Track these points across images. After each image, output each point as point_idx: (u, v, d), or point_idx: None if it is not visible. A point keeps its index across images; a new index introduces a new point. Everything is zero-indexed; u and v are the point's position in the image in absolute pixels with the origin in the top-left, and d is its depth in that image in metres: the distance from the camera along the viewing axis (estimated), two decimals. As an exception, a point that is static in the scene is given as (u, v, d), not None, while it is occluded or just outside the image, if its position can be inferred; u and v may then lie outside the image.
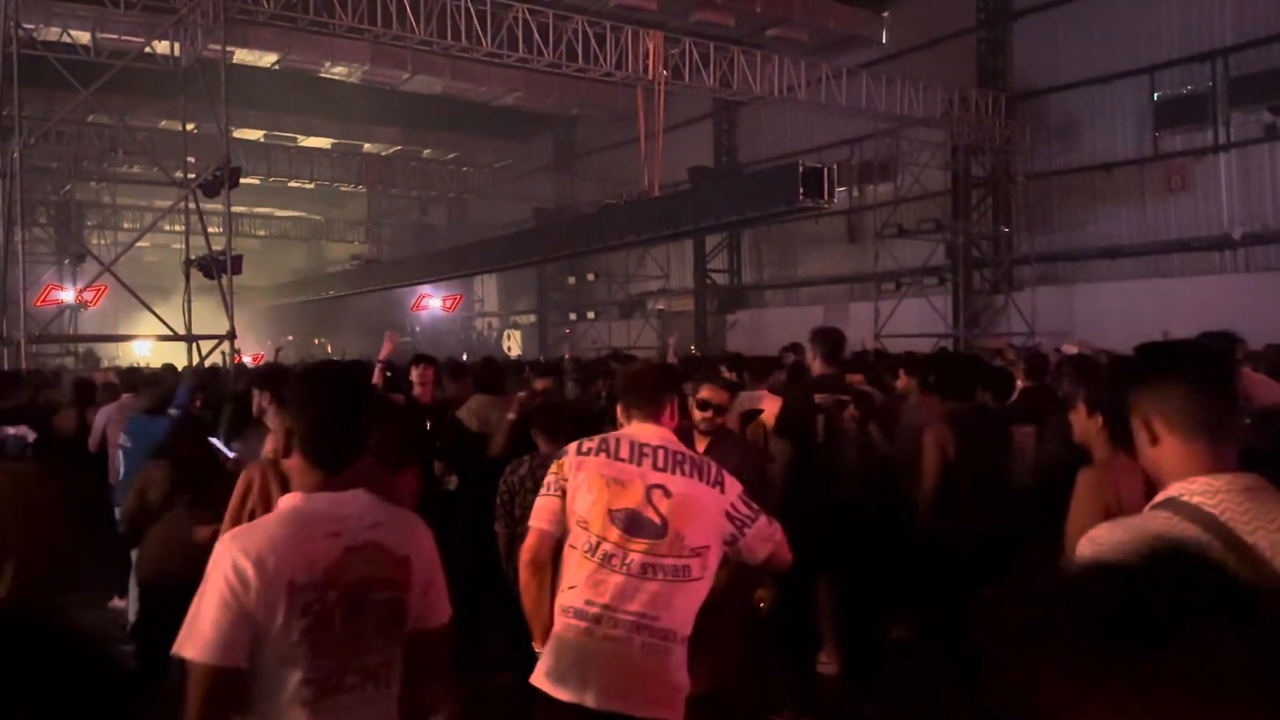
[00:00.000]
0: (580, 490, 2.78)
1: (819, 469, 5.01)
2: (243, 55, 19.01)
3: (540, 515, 2.84)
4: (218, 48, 13.17)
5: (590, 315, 27.74)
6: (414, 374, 6.51)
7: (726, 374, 6.37)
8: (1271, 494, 1.62)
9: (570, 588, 2.75)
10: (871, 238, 19.09)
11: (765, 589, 3.24)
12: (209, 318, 14.37)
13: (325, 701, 1.98)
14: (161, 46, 14.24)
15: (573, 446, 2.89)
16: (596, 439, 2.88)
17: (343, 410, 2.11)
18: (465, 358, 17.96)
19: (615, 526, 2.71)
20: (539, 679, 2.75)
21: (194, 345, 13.42)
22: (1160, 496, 1.67)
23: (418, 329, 32.80)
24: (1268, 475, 1.68)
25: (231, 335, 13.14)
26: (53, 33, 15.70)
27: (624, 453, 2.80)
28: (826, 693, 5.22)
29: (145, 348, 22.48)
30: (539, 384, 6.37)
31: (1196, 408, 1.66)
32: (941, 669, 5.27)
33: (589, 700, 2.64)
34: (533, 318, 31.38)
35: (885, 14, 20.22)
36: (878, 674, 5.24)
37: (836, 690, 5.30)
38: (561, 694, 2.68)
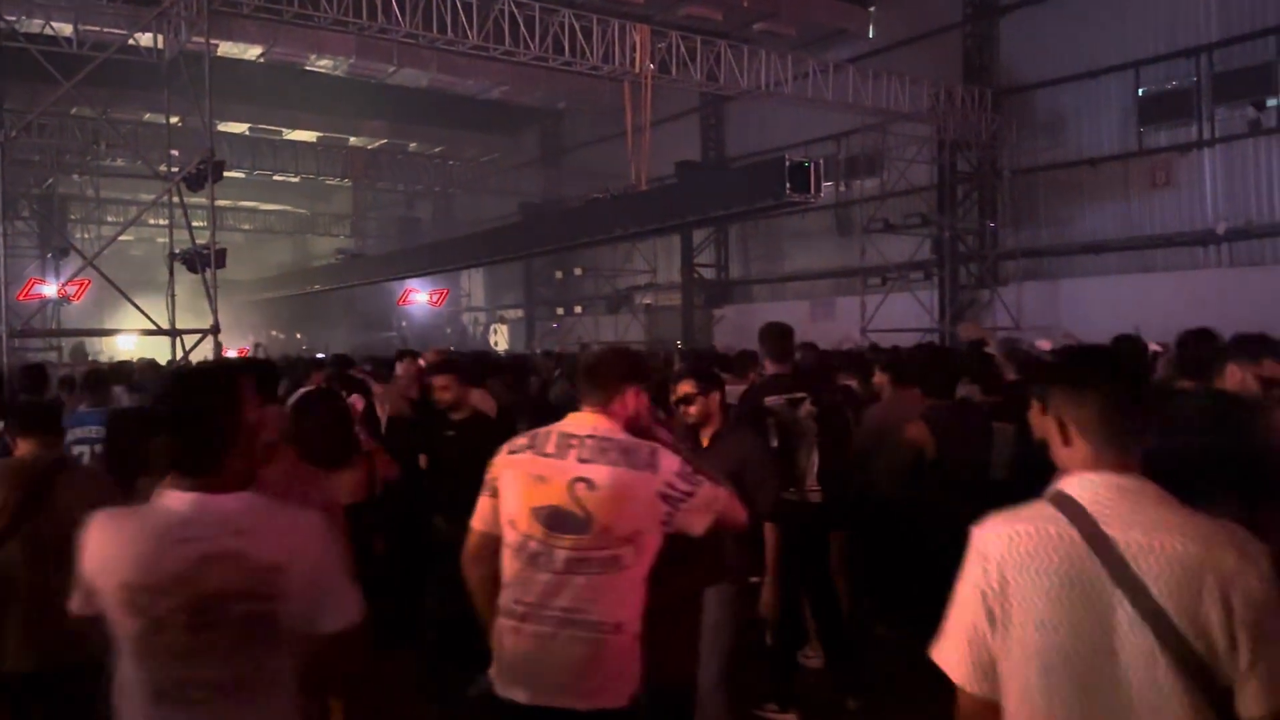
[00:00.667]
0: (507, 489, 2.78)
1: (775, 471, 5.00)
2: (227, 48, 18.91)
3: (477, 515, 2.85)
4: (201, 40, 13.07)
5: (577, 310, 27.70)
6: (399, 369, 6.49)
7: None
8: (1149, 497, 1.75)
9: (505, 587, 2.75)
10: (858, 233, 19.12)
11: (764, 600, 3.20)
12: (193, 312, 14.29)
13: (165, 709, 1.93)
14: (145, 39, 14.14)
15: (506, 446, 2.87)
16: (528, 435, 2.85)
17: (194, 415, 2.04)
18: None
19: (539, 524, 2.69)
20: (493, 674, 2.78)
21: (178, 339, 13.33)
22: (1051, 487, 1.83)
23: (404, 324, 32.72)
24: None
25: (216, 330, 13.05)
26: (35, 24, 15.57)
27: (550, 447, 2.77)
28: (810, 686, 5.23)
29: (129, 342, 22.35)
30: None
31: (1108, 420, 1.79)
32: (923, 664, 5.30)
33: (520, 696, 2.66)
34: (520, 312, 31.33)
35: (872, 9, 20.24)
36: (861, 668, 5.25)
37: (820, 684, 5.31)
38: (501, 691, 2.70)
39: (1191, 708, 1.64)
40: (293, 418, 3.86)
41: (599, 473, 2.69)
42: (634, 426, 2.86)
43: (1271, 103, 15.15)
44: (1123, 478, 1.77)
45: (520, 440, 2.85)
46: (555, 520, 2.68)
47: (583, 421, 2.81)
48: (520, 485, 2.75)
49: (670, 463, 2.73)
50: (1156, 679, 1.65)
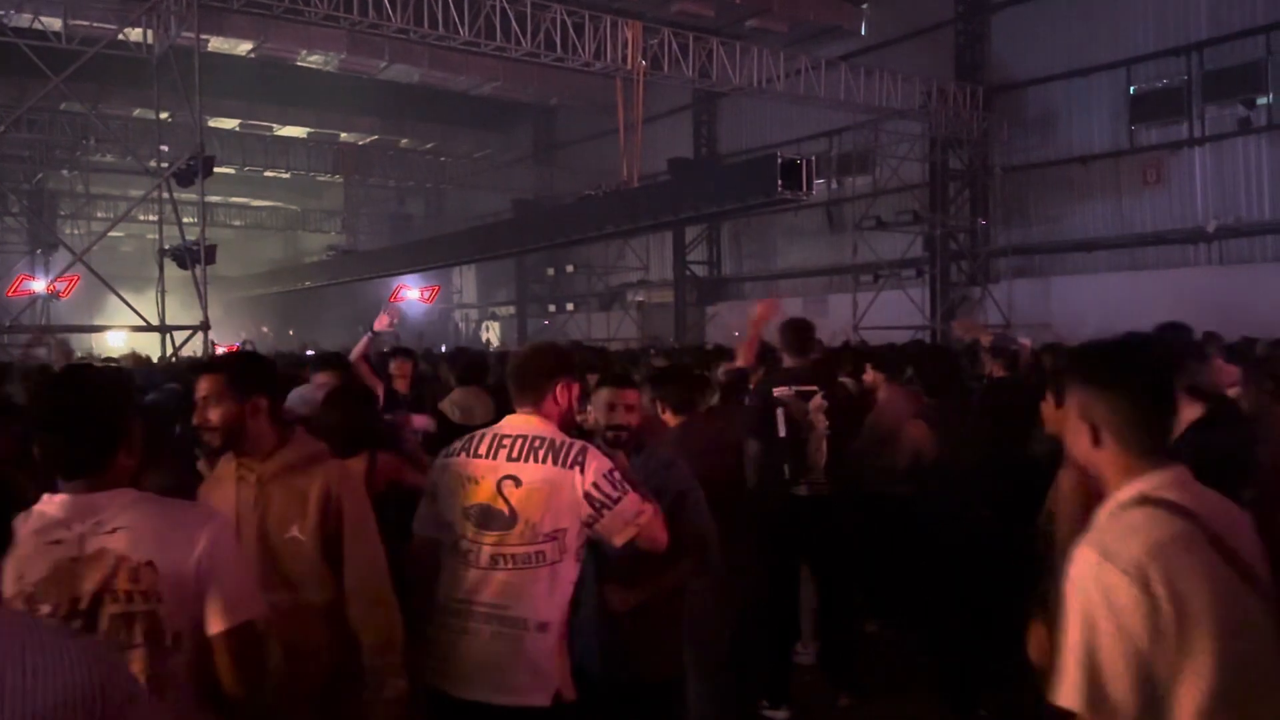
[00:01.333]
0: (442, 492, 2.83)
1: (783, 462, 5.01)
2: (217, 43, 18.83)
3: (416, 519, 2.92)
4: (191, 35, 13.03)
5: (569, 307, 27.69)
6: (392, 366, 6.46)
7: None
8: (1197, 484, 1.73)
9: (441, 585, 2.81)
10: (850, 230, 19.14)
11: (618, 589, 3.12)
12: (183, 308, 14.25)
13: None
14: (134, 34, 14.09)
15: (443, 451, 2.93)
16: (464, 439, 2.91)
17: (68, 416, 1.96)
18: (444, 349, 17.91)
19: (469, 522, 2.74)
20: None
21: (168, 336, 13.30)
22: (1127, 495, 1.71)
23: (395, 320, 32.59)
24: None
25: (205, 326, 13.02)
26: (24, 19, 15.49)
27: (482, 449, 2.82)
28: (801, 683, 5.24)
29: (119, 339, 22.27)
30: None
31: (1142, 421, 1.73)
32: (916, 662, 5.31)
33: (450, 689, 2.72)
34: (511, 309, 31.29)
35: (864, 6, 20.26)
36: (853, 665, 5.26)
37: (812, 680, 5.32)
38: (434, 683, 2.77)
39: None
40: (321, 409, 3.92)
41: (526, 470, 2.74)
42: (569, 423, 2.90)
43: (1261, 101, 15.21)
44: (1182, 470, 1.73)
45: (456, 444, 2.91)
46: (484, 518, 2.73)
47: (516, 423, 2.85)
48: (454, 487, 2.80)
49: (601, 465, 2.73)
50: None
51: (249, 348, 19.35)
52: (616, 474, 2.75)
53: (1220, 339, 7.82)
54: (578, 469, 2.72)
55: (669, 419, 4.34)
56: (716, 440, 4.48)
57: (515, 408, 2.89)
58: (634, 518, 2.74)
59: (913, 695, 5.02)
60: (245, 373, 2.71)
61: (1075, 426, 1.79)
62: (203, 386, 2.66)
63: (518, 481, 2.73)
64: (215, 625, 1.97)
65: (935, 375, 5.31)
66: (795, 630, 5.38)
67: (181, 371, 8.25)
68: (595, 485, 2.70)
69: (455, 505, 2.79)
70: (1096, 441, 1.76)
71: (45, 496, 1.95)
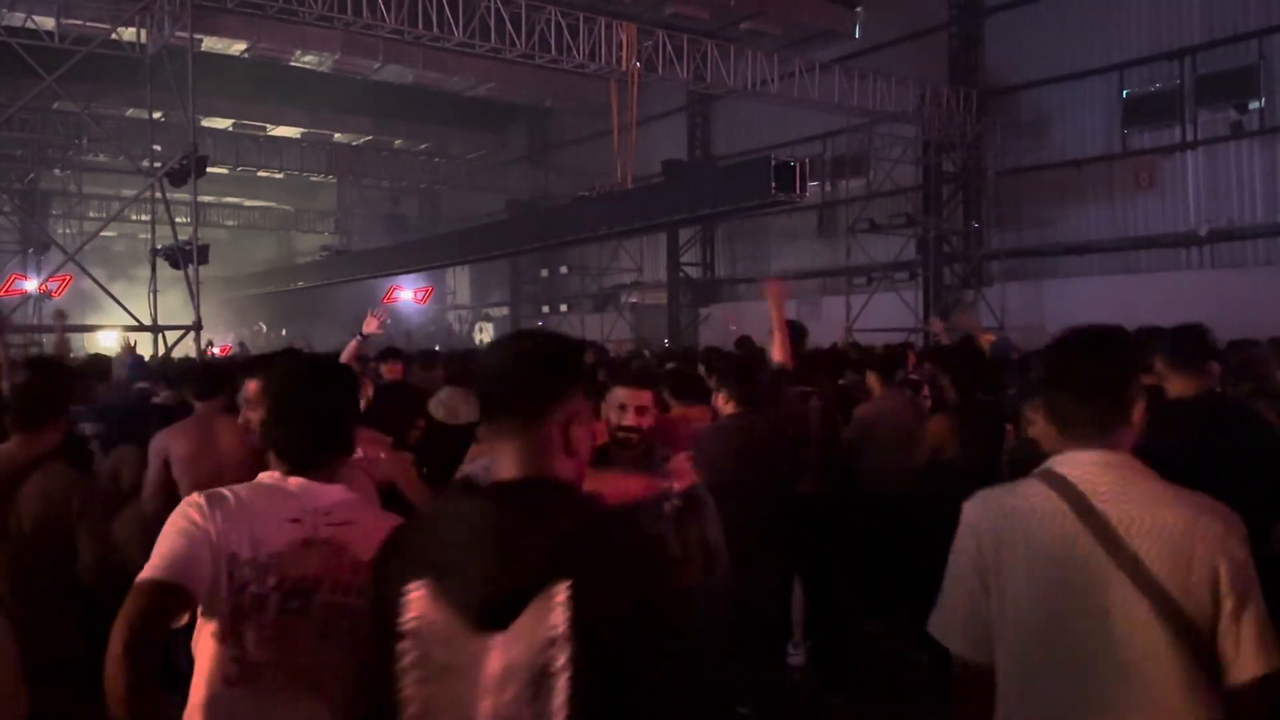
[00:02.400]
0: None
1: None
2: (211, 43, 18.78)
3: None
4: (185, 35, 13.00)
5: (563, 308, 27.66)
6: (382, 368, 6.45)
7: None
8: (1130, 470, 1.84)
9: None
10: (843, 232, 19.16)
11: None
12: (176, 308, 14.21)
13: (240, 691, 1.90)
14: (128, 33, 14.05)
15: None
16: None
17: (320, 413, 2.06)
18: (438, 350, 17.90)
19: None
20: None
21: (160, 335, 13.26)
22: (1042, 465, 1.92)
23: (389, 321, 32.53)
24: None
25: (198, 326, 12.99)
26: (16, 18, 15.43)
27: None
28: (794, 683, 5.24)
29: (111, 338, 22.20)
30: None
31: (1089, 403, 1.89)
32: (911, 661, 5.31)
33: None
34: (505, 310, 31.25)
35: (858, 9, 20.27)
36: (845, 665, 5.26)
37: (803, 681, 5.31)
38: None
39: (1185, 671, 1.71)
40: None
41: None
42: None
43: (1253, 106, 15.27)
44: (1110, 454, 1.85)
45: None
46: None
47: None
48: None
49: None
50: (1153, 646, 1.72)
51: (242, 349, 19.28)
52: None
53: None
54: None
55: (694, 414, 4.34)
56: (772, 438, 4.48)
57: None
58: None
59: (908, 695, 5.02)
60: None
61: (1041, 411, 2.05)
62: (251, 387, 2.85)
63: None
64: None
65: (966, 375, 5.30)
66: (787, 630, 5.39)
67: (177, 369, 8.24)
68: None
69: None
70: (1053, 424, 1.96)
71: (275, 475, 2.03)
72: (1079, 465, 1.85)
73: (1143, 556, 1.73)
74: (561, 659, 1.40)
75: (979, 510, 1.92)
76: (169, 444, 4.36)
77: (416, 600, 1.49)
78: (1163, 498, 1.79)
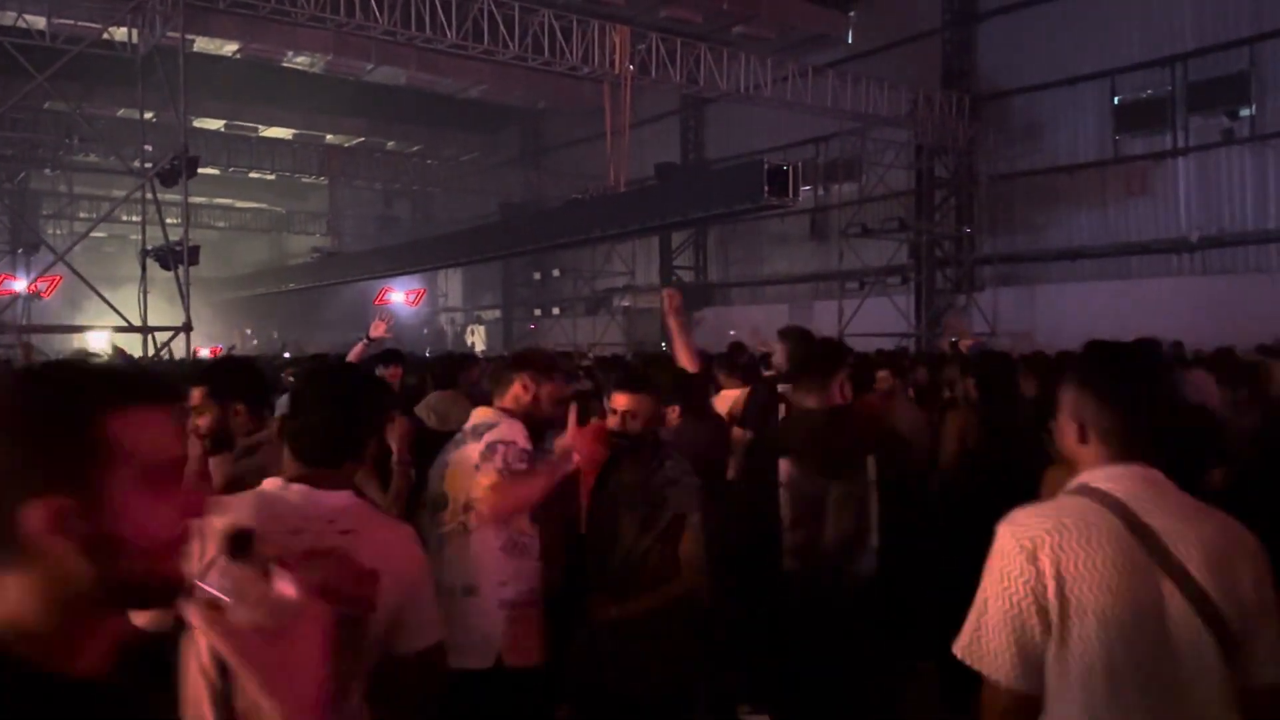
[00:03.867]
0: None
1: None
2: (203, 43, 18.73)
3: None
4: (177, 35, 12.96)
5: (555, 311, 27.64)
6: (384, 371, 6.40)
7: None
8: (1163, 485, 1.85)
9: None
10: (836, 237, 19.17)
11: (603, 599, 3.18)
12: (166, 309, 14.15)
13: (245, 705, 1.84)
14: (119, 33, 14.00)
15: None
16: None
17: (339, 407, 2.05)
18: (428, 353, 17.84)
19: (428, 510, 3.12)
20: None
21: (149, 337, 13.20)
22: (1074, 483, 1.90)
23: (391, 323, 32.46)
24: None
25: (187, 327, 12.93)
26: (7, 17, 15.36)
27: (450, 444, 3.15)
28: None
29: (101, 339, 22.12)
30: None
31: (1131, 423, 1.88)
32: (915, 665, 5.29)
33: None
34: (497, 313, 31.21)
35: (851, 14, 20.31)
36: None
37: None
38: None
39: (1230, 681, 1.75)
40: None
41: (453, 453, 3.05)
42: (533, 416, 3.12)
43: (1244, 112, 15.32)
44: (1145, 469, 1.86)
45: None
46: (435, 505, 3.05)
47: (475, 415, 3.19)
48: (429, 483, 3.17)
49: (501, 434, 2.97)
50: (1203, 658, 1.74)
51: (232, 351, 19.20)
52: (525, 450, 2.96)
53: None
54: (475, 439, 2.98)
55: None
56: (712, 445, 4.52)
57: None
58: (511, 490, 2.92)
59: (912, 697, 5.00)
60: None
61: (1065, 423, 1.93)
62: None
63: (447, 464, 3.02)
64: (409, 645, 1.97)
65: (990, 379, 5.34)
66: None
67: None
68: (482, 453, 2.93)
69: (427, 499, 3.09)
70: (1083, 439, 1.91)
71: (280, 484, 2.00)
72: (1119, 480, 1.84)
73: (1190, 568, 1.75)
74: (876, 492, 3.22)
75: (1025, 530, 1.82)
76: None
77: (784, 466, 3.22)
78: (1200, 511, 1.83)
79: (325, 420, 2.03)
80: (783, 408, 5.06)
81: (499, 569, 2.93)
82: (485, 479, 2.89)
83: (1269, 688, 1.75)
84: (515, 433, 2.99)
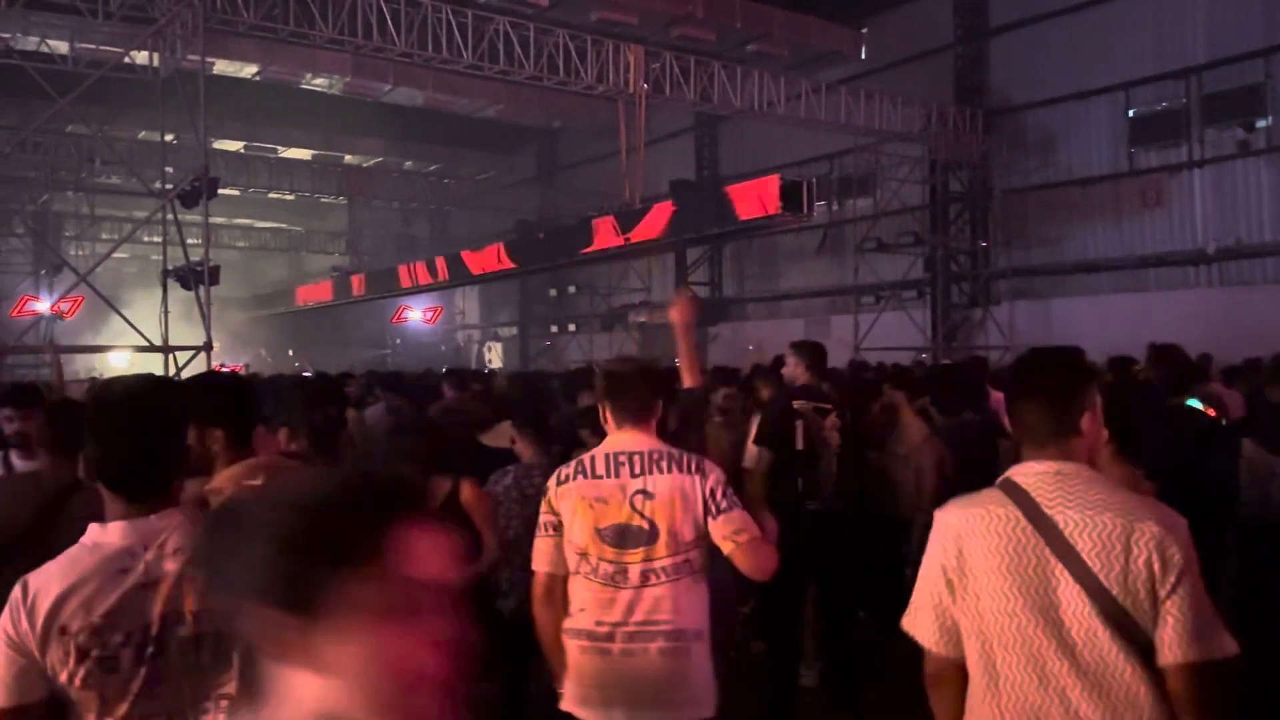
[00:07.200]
0: (569, 519, 2.82)
1: (797, 475, 5.04)
2: (223, 66, 18.95)
3: (539, 559, 2.89)
4: (197, 58, 13.12)
5: (571, 328, 27.70)
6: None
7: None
8: (1082, 479, 2.01)
9: (580, 610, 2.79)
10: (851, 251, 19.19)
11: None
12: (187, 329, 14.28)
13: None
14: (140, 57, 14.18)
15: (553, 479, 2.91)
16: (573, 464, 2.89)
17: (137, 434, 1.90)
18: (445, 371, 17.91)
19: (607, 544, 2.75)
20: (569, 706, 2.79)
21: (170, 356, 13.32)
22: (1001, 476, 2.11)
23: (398, 341, 32.66)
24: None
25: (208, 347, 13.05)
26: (30, 42, 15.61)
27: (600, 469, 2.81)
28: (804, 704, 5.22)
29: (122, 359, 22.32)
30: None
31: (1043, 419, 2.08)
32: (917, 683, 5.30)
33: (618, 717, 2.70)
34: (514, 330, 31.31)
35: (864, 30, 20.37)
36: (855, 686, 5.25)
37: (814, 702, 5.30)
38: (590, 716, 2.72)
39: (1125, 661, 1.89)
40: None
41: (655, 482, 2.76)
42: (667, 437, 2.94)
43: (1260, 124, 15.28)
44: (1061, 463, 2.03)
45: (565, 470, 2.89)
46: (621, 537, 2.74)
47: (626, 439, 2.86)
48: (581, 512, 2.79)
49: (717, 473, 2.80)
50: (1095, 637, 1.90)
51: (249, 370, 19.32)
52: (730, 489, 2.80)
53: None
54: (699, 474, 2.77)
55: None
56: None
57: (620, 425, 2.89)
58: (734, 534, 2.73)
59: (917, 714, 5.01)
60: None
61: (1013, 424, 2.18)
62: None
63: (648, 494, 2.74)
64: None
65: (952, 394, 5.37)
66: (799, 653, 5.37)
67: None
68: (712, 491, 2.75)
69: (587, 530, 2.78)
70: (1019, 437, 2.15)
71: (95, 527, 1.89)
72: (1032, 474, 2.04)
73: (1083, 555, 1.91)
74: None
75: (947, 516, 2.12)
76: None
77: None
78: (1105, 503, 1.96)
79: (137, 454, 1.89)
80: (800, 424, 5.10)
81: (708, 611, 2.85)
82: (733, 535, 2.72)
83: (1175, 667, 1.86)
84: (716, 467, 2.87)
